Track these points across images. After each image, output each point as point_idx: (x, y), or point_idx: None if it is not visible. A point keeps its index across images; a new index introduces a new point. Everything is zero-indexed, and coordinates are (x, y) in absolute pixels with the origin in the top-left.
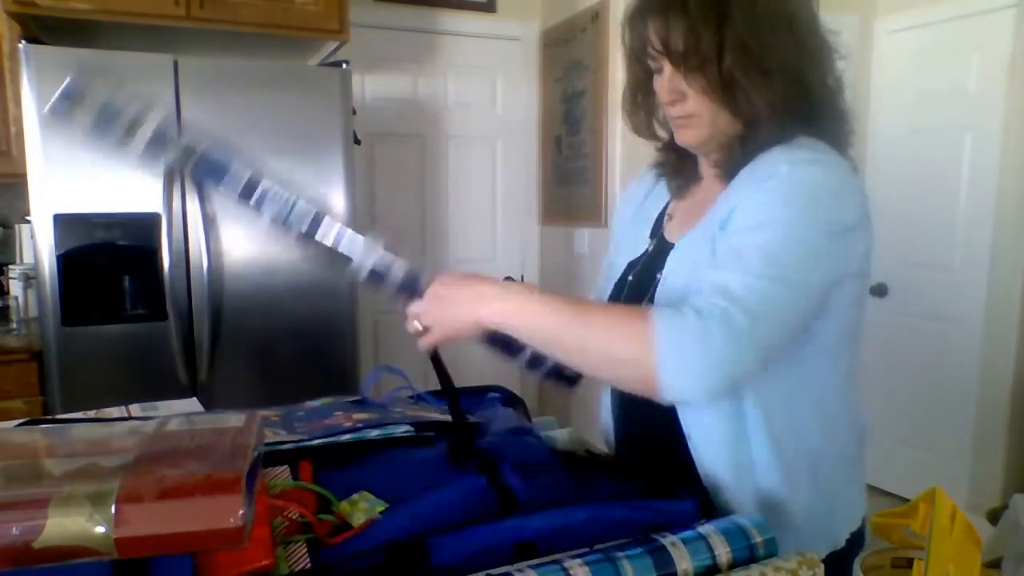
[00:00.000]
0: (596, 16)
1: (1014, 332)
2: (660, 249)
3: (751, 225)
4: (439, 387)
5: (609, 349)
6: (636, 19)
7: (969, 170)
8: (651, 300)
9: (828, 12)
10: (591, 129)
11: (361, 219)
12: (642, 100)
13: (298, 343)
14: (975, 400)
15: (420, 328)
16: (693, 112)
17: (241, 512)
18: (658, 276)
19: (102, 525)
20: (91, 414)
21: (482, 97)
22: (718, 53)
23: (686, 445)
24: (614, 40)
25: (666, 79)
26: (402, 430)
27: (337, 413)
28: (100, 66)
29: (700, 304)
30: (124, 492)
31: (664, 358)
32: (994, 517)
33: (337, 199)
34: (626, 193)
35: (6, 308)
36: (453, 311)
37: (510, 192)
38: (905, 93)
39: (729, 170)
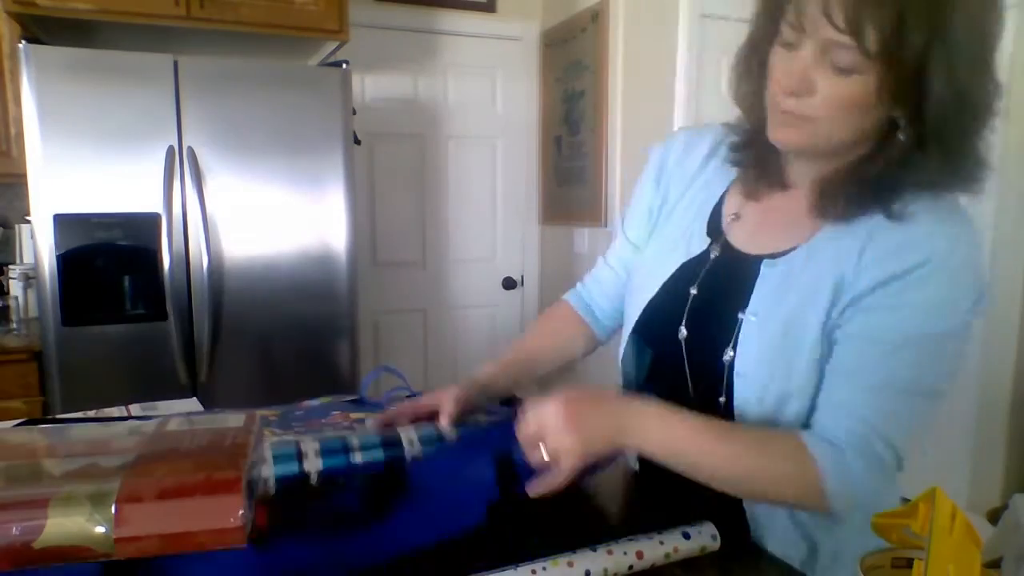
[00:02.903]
0: (596, 16)
1: (1014, 332)
2: (730, 261)
3: (901, 337)
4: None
5: (775, 485)
6: None
7: None
8: (735, 343)
9: None
10: (591, 129)
11: (361, 219)
12: (753, 66)
13: (298, 343)
14: (975, 400)
15: (547, 456)
16: (812, 115)
17: (241, 512)
18: (740, 315)
19: (102, 525)
20: (91, 414)
21: (482, 97)
22: (918, 59)
23: None
24: (614, 40)
25: (799, 64)
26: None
27: (335, 413)
28: (100, 66)
29: (854, 447)
30: (124, 492)
31: (834, 499)
32: (994, 517)
33: (337, 199)
34: (667, 153)
35: (6, 308)
36: (590, 432)
37: (510, 192)
38: None
39: (835, 211)
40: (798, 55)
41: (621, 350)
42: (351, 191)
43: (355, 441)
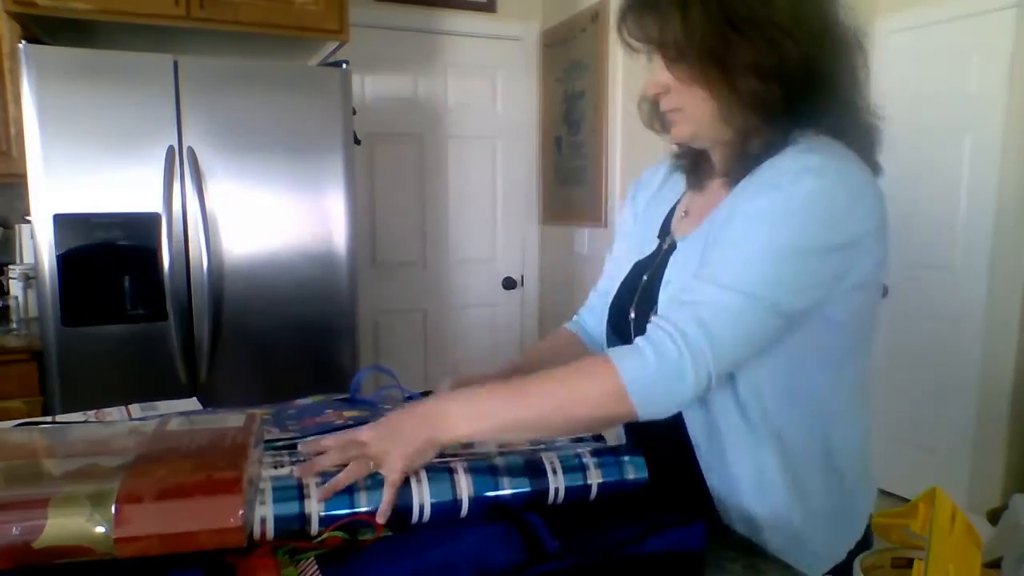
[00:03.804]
0: (596, 16)
1: (1014, 332)
2: (669, 250)
3: (737, 238)
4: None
5: (587, 412)
6: (620, 18)
7: (969, 170)
8: (656, 310)
9: None
10: (591, 129)
11: (361, 219)
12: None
13: (298, 343)
14: (975, 400)
15: (372, 466)
16: (676, 106)
17: (241, 512)
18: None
19: (102, 525)
20: (91, 414)
21: (482, 97)
22: (687, 40)
23: (692, 451)
24: (614, 40)
25: (651, 73)
26: None
27: (328, 411)
28: (100, 66)
29: (663, 333)
30: (124, 492)
31: (637, 401)
32: (994, 517)
33: (337, 199)
34: (638, 183)
35: (6, 308)
36: (406, 438)
37: (510, 192)
38: (905, 93)
39: (731, 171)
40: (651, 68)
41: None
42: (351, 191)
43: (362, 481)
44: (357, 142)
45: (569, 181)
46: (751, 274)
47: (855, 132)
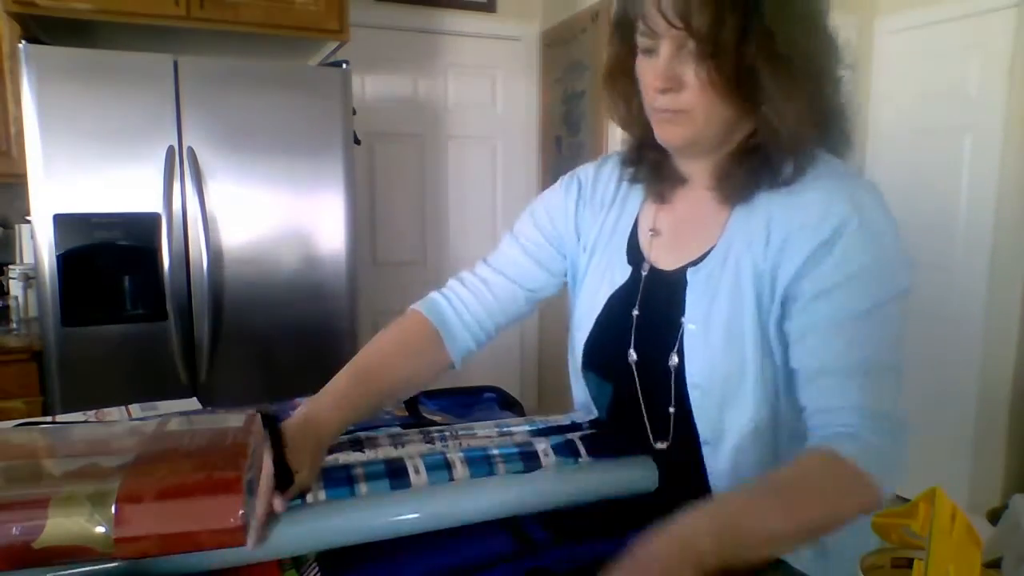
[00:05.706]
0: (596, 16)
1: (1014, 332)
2: (659, 279)
3: (853, 312)
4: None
5: (846, 514)
6: None
7: (969, 170)
8: (680, 351)
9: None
10: (591, 129)
11: (361, 219)
12: (620, 85)
13: (298, 343)
14: (975, 400)
15: None
16: (686, 107)
17: (241, 512)
18: (682, 320)
19: (102, 525)
20: (91, 414)
21: (482, 97)
22: (740, 38)
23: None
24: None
25: (662, 62)
26: (393, 431)
27: None
28: (100, 66)
29: (869, 430)
30: (124, 492)
31: (882, 482)
32: (994, 517)
33: (337, 199)
34: (580, 186)
35: (6, 308)
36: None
37: (510, 192)
38: (905, 93)
39: (735, 190)
40: (660, 57)
41: (574, 387)
42: (351, 191)
43: (360, 471)
44: (357, 142)
45: None
46: (896, 351)
47: (837, 138)
